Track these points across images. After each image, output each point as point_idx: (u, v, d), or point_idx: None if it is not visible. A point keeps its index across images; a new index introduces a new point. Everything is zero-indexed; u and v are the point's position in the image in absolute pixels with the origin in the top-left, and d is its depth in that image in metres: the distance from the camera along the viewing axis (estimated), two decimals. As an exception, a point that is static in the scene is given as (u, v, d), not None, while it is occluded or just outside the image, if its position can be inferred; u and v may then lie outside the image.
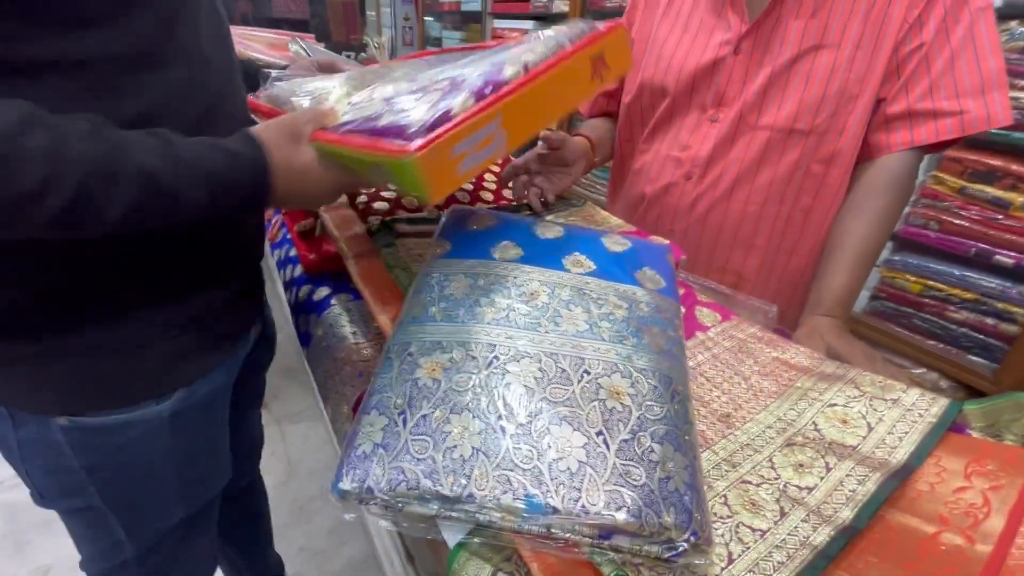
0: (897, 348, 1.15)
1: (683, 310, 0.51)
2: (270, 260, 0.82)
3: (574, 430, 0.32)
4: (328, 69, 0.73)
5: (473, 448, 0.31)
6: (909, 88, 0.60)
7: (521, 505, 0.29)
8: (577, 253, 0.47)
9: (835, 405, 0.41)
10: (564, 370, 0.36)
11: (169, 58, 0.40)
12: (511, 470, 0.30)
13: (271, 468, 1.44)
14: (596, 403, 0.34)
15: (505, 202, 0.73)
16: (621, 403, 0.34)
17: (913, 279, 1.10)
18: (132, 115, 0.38)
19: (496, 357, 0.36)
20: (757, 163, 0.67)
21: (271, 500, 0.93)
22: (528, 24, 2.03)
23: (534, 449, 0.31)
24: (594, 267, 0.46)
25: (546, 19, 1.98)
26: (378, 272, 0.54)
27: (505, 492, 0.29)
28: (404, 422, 0.33)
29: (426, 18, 2.88)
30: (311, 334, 0.59)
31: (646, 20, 0.78)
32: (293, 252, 0.72)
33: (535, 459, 0.31)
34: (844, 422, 0.39)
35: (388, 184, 0.59)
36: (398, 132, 0.37)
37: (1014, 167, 0.93)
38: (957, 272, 1.04)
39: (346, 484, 0.31)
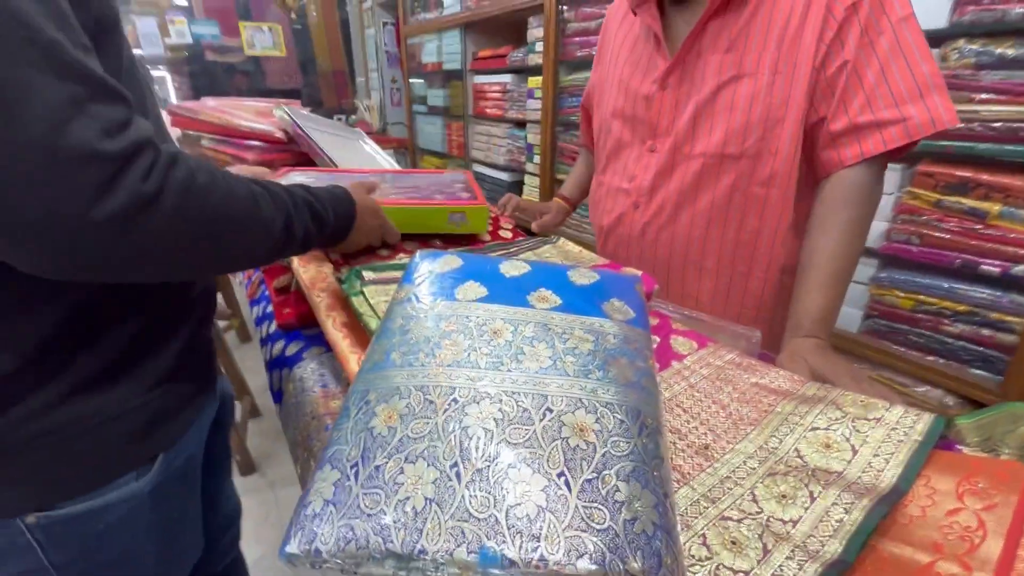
0: (898, 367, 1.12)
1: (656, 340, 0.50)
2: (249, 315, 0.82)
3: (534, 472, 0.30)
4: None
5: (426, 499, 0.29)
6: (846, 103, 0.62)
7: (475, 559, 0.27)
8: (543, 289, 0.46)
9: (817, 429, 0.39)
10: (526, 409, 0.34)
11: None
12: (465, 520, 0.28)
13: (264, 536, 1.37)
14: (559, 442, 0.32)
15: (522, 237, 0.80)
16: (585, 440, 0.32)
17: (903, 295, 1.08)
18: None
19: (455, 400, 0.35)
20: (695, 188, 0.72)
21: (266, 569, 0.88)
22: (507, 78, 2.12)
23: (490, 496, 0.29)
24: (560, 302, 0.45)
25: (522, 72, 2.06)
26: (347, 320, 0.53)
27: (459, 545, 0.27)
28: (356, 475, 0.31)
29: (412, 80, 3.02)
30: (283, 390, 0.58)
31: (605, 65, 0.85)
32: (270, 308, 0.72)
33: (491, 507, 0.29)
34: (827, 446, 0.37)
35: (432, 228, 0.75)
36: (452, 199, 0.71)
37: (984, 177, 0.94)
38: (946, 284, 1.03)
39: (293, 547, 0.29)
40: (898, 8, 0.59)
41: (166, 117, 1.84)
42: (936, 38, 0.94)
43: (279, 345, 0.63)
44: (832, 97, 0.62)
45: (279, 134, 1.21)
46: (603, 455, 0.31)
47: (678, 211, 0.74)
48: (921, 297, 1.06)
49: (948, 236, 1.00)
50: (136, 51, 3.34)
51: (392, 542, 0.28)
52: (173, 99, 3.61)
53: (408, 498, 0.29)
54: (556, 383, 0.36)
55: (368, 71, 3.81)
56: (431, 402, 0.35)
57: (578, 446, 0.32)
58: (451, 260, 0.50)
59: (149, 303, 0.45)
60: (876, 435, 0.37)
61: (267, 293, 0.76)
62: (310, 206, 0.51)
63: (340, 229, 0.57)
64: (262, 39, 3.73)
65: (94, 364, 0.42)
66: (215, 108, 1.26)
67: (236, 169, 0.83)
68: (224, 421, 0.66)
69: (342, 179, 0.88)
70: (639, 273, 0.63)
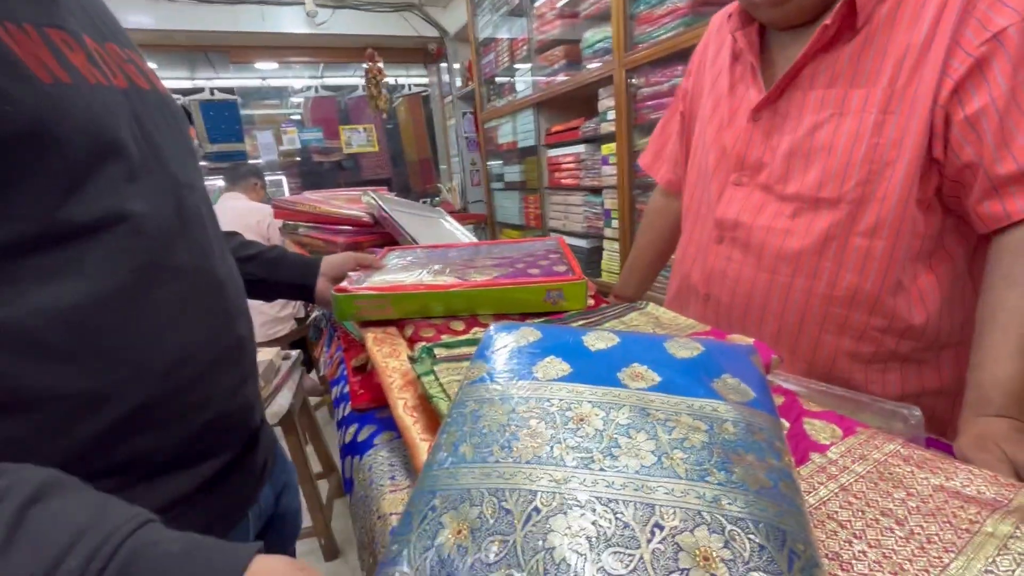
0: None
1: (786, 426, 0.40)
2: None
3: (646, 626, 0.22)
4: (366, 264, 0.83)
5: None
6: (1009, 145, 0.51)
7: None
8: (637, 364, 0.39)
9: (1061, 562, 0.27)
10: (627, 524, 0.26)
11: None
12: None
13: (344, 631, 1.30)
14: (676, 575, 0.24)
15: (606, 304, 0.75)
16: (712, 574, 0.24)
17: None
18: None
19: (536, 509, 0.28)
20: (784, 232, 0.64)
21: None
22: (580, 148, 2.15)
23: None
24: (659, 379, 0.37)
25: (594, 141, 2.09)
26: (418, 404, 0.49)
27: None
28: None
29: (489, 162, 3.19)
30: (353, 480, 0.53)
31: (696, 108, 0.81)
32: (347, 389, 0.70)
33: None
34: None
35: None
36: (547, 273, 0.71)
37: None
38: None
39: None
40: None
41: (270, 211, 2.07)
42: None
43: (352, 429, 0.60)
44: (979, 139, 0.52)
45: (366, 218, 1.28)
46: (742, 601, 0.23)
47: (761, 254, 0.66)
48: None
49: None
50: (254, 160, 3.88)
51: None
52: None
53: None
54: (664, 488, 0.28)
55: (450, 157, 4.11)
56: (507, 511, 0.28)
57: (704, 584, 0.23)
58: (529, 333, 0.45)
59: (145, 427, 0.39)
60: None
61: (346, 373, 0.74)
62: None
63: None
64: (358, 138, 4.20)
65: None
66: (311, 199, 1.37)
67: (339, 257, 0.85)
68: (282, 535, 0.63)
69: (433, 254, 0.90)
70: (751, 341, 0.54)
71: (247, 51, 3.62)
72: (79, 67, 0.37)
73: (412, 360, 0.53)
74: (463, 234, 1.43)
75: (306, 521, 1.27)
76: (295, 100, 4.29)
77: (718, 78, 0.75)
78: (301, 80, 4.21)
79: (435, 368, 0.49)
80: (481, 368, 0.42)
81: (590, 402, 0.35)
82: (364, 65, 3.60)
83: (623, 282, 0.98)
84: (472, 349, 0.54)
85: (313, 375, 2.47)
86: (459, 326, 0.66)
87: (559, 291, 0.68)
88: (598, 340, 0.43)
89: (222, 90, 3.63)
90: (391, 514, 0.42)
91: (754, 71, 0.67)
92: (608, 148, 1.93)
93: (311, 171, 4.26)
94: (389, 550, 0.30)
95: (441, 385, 0.47)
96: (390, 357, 0.59)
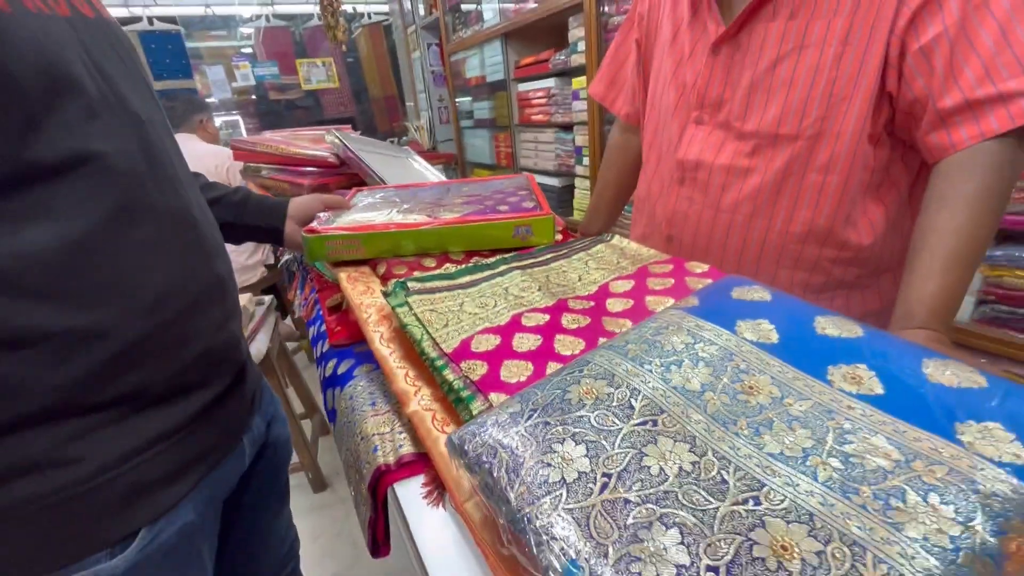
0: (1020, 357, 0.96)
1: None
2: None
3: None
4: (334, 206, 0.83)
5: (562, 479, 0.28)
6: (956, 76, 0.52)
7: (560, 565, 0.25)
8: (862, 365, 0.34)
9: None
10: (724, 479, 0.28)
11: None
12: (575, 524, 0.26)
13: (337, 551, 1.40)
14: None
15: (574, 238, 0.76)
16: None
17: (1025, 275, 0.93)
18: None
19: (652, 422, 0.31)
20: (743, 171, 0.65)
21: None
22: (551, 82, 2.09)
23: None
24: (881, 392, 0.32)
25: (565, 74, 2.03)
26: (393, 335, 0.51)
27: (552, 540, 0.25)
28: (528, 418, 0.32)
29: (458, 98, 3.06)
30: (336, 409, 0.57)
31: (653, 33, 0.79)
32: (324, 328, 0.72)
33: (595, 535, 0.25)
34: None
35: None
36: (517, 210, 0.73)
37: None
38: (1081, 260, 0.87)
39: (455, 436, 0.32)
40: None
41: (228, 153, 1.97)
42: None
43: (331, 364, 0.62)
44: (930, 71, 0.53)
45: (332, 159, 1.25)
46: None
47: (721, 194, 0.68)
48: (1048, 276, 0.91)
49: (1079, 202, 0.85)
50: (210, 99, 3.64)
51: (510, 490, 0.28)
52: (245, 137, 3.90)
53: (549, 466, 0.29)
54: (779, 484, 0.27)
55: (416, 93, 3.92)
56: (631, 407, 0.32)
57: None
58: (758, 291, 0.44)
59: (150, 352, 0.41)
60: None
61: (321, 313, 0.76)
62: None
63: None
64: (317, 73, 3.94)
65: (77, 425, 0.38)
66: (272, 140, 1.32)
67: (306, 199, 0.83)
68: (275, 462, 0.66)
69: (402, 193, 0.89)
70: (706, 267, 0.57)
71: (186, -26, 3.29)
72: None
73: (386, 295, 0.54)
74: (433, 174, 1.41)
75: (293, 458, 1.32)
76: (245, 31, 3.96)
77: (678, 3, 0.72)
78: (249, 8, 3.86)
79: (409, 300, 0.51)
80: (693, 301, 0.43)
81: (773, 378, 0.34)
82: (318, -10, 3.32)
83: (588, 219, 0.99)
84: (444, 283, 0.56)
85: (288, 321, 2.47)
86: (431, 263, 0.68)
87: (527, 227, 0.69)
88: (833, 326, 0.38)
89: (161, 19, 3.32)
90: (373, 435, 0.45)
91: (709, 5, 0.66)
92: (579, 82, 1.88)
93: (268, 110, 4.01)
94: (542, 380, 0.36)
95: (415, 314, 0.49)
96: (364, 295, 0.61)
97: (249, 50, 3.95)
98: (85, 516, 0.39)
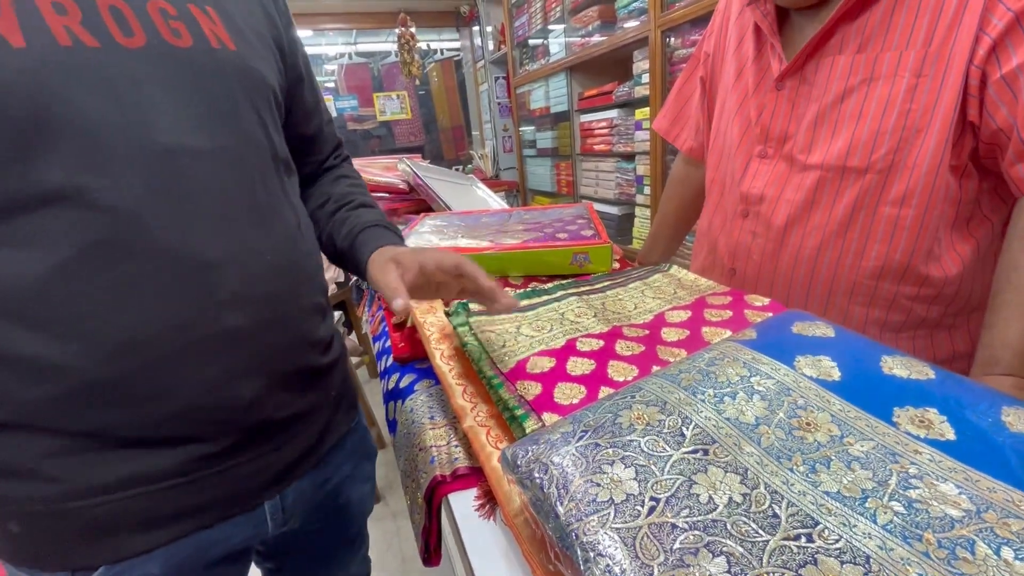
0: None
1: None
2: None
3: None
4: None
5: (610, 500, 0.29)
6: None
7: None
8: (932, 409, 0.33)
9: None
10: (774, 515, 0.28)
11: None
12: (621, 543, 0.27)
13: (386, 565, 1.43)
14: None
15: (632, 267, 0.78)
16: None
17: None
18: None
19: (702, 451, 0.32)
20: (809, 204, 0.63)
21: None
22: (614, 113, 2.12)
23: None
24: (952, 438, 0.31)
25: (628, 105, 2.05)
26: (453, 353, 0.54)
27: (599, 556, 0.26)
28: (580, 438, 0.33)
29: (522, 128, 3.16)
30: (396, 421, 0.60)
31: (719, 72, 0.80)
32: (388, 344, 0.76)
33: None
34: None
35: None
36: (575, 238, 0.74)
37: None
38: None
39: (508, 451, 0.34)
40: None
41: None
42: None
43: (394, 378, 0.66)
44: (1015, 99, 0.51)
45: (402, 185, 1.33)
46: None
47: (787, 231, 0.66)
48: None
49: None
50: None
51: (562, 503, 0.29)
52: (321, 165, 4.23)
53: (599, 486, 0.30)
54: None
55: (482, 123, 4.09)
56: (683, 435, 0.33)
57: None
58: (820, 327, 0.43)
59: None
60: None
61: (387, 329, 0.81)
62: None
63: None
64: (392, 106, 4.22)
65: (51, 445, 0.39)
66: (350, 167, 1.42)
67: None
68: (339, 522, 0.63)
69: (467, 219, 0.93)
70: (767, 301, 0.56)
71: (283, 19, 3.66)
72: (52, 28, 0.36)
73: (448, 315, 0.58)
74: (495, 201, 1.47)
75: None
76: (329, 68, 4.33)
77: (743, 41, 0.73)
78: (335, 47, 4.23)
79: (469, 320, 0.54)
80: (751, 334, 0.43)
81: (833, 416, 0.33)
82: (396, 30, 3.58)
83: (647, 249, 1.00)
84: (502, 305, 0.58)
85: (353, 336, 2.60)
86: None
87: (585, 254, 0.71)
88: (902, 367, 0.37)
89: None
90: (431, 446, 0.48)
91: (772, 44, 0.65)
92: (642, 113, 1.89)
93: (347, 139, 4.31)
94: (594, 403, 0.37)
95: (475, 334, 0.52)
96: (428, 314, 0.65)
97: (332, 84, 4.30)
98: (51, 533, 0.41)
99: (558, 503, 0.29)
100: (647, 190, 1.95)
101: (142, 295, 0.39)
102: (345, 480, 0.62)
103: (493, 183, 3.22)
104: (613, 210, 2.24)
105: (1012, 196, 0.59)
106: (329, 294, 2.46)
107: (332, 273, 2.39)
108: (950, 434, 0.31)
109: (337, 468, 0.60)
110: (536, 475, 0.32)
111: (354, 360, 2.41)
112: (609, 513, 0.28)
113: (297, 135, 0.60)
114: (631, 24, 1.88)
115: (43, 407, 0.38)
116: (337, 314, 1.70)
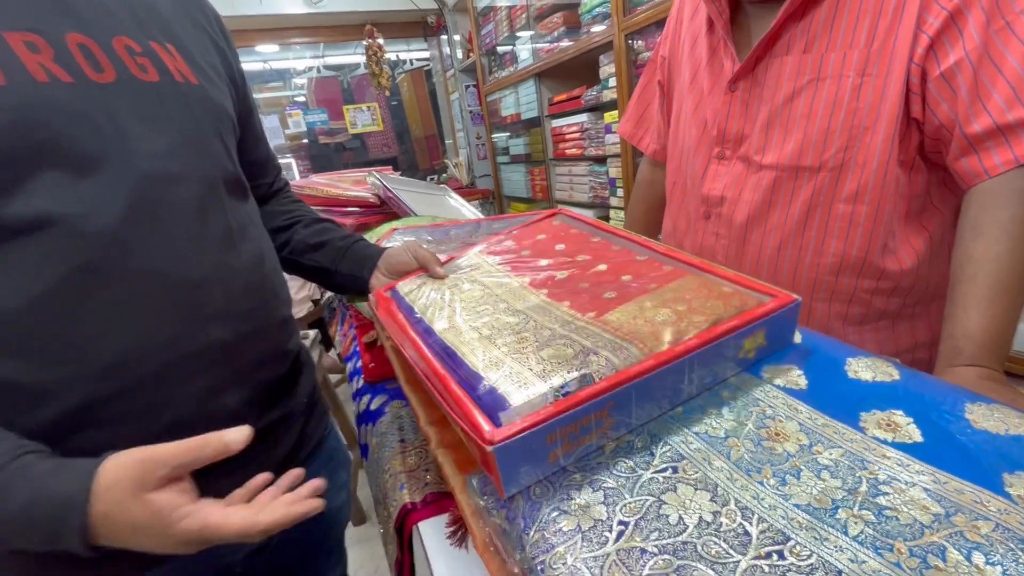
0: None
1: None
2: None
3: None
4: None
5: (579, 527, 0.28)
6: (983, 100, 0.50)
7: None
8: (898, 412, 0.32)
9: None
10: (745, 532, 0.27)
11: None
12: (589, 574, 0.25)
13: (374, 589, 1.39)
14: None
15: None
16: None
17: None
18: None
19: (671, 468, 0.30)
20: (766, 204, 0.64)
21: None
22: (584, 117, 2.13)
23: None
24: (920, 440, 0.30)
25: (597, 109, 2.06)
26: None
27: None
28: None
29: (494, 135, 3.16)
30: (367, 445, 0.58)
31: (675, 75, 0.81)
32: (360, 364, 0.74)
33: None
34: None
35: None
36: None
37: None
38: None
39: (474, 479, 0.33)
40: None
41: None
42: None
43: (365, 399, 0.64)
44: (954, 96, 0.52)
45: (372, 199, 1.31)
46: None
47: (747, 231, 0.67)
48: None
49: None
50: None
51: (525, 536, 0.28)
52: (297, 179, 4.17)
53: (566, 513, 0.28)
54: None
55: (455, 132, 4.08)
56: (652, 454, 0.31)
57: None
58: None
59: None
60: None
61: (358, 349, 0.79)
62: None
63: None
64: (363, 118, 4.18)
65: None
66: (317, 183, 1.40)
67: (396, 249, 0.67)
68: (311, 540, 0.61)
69: (435, 232, 0.91)
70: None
71: (248, 34, 3.60)
72: (28, 66, 0.37)
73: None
74: (469, 210, 1.45)
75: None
76: (298, 82, 4.28)
77: (696, 43, 0.73)
78: (303, 61, 4.18)
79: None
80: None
81: (801, 424, 0.32)
82: (364, 42, 3.56)
83: None
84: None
85: (332, 354, 2.55)
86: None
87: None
88: (865, 369, 0.37)
89: (225, 76, 3.62)
90: (400, 472, 0.46)
91: (725, 44, 0.66)
92: (611, 116, 1.91)
93: (319, 153, 4.28)
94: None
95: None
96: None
97: (302, 99, 4.25)
98: (51, 554, 0.40)
99: (524, 534, 0.28)
100: (620, 192, 1.96)
101: (132, 314, 0.41)
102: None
103: (467, 192, 3.21)
104: (588, 213, 2.25)
105: (960, 188, 0.60)
106: (305, 312, 2.41)
107: (308, 291, 2.34)
108: (917, 436, 0.31)
109: (314, 476, 0.59)
110: (502, 504, 0.30)
111: (334, 378, 2.36)
112: (576, 542, 0.27)
113: (248, 161, 0.61)
114: (596, 29, 1.89)
115: (41, 432, 0.39)
116: (313, 332, 1.67)
